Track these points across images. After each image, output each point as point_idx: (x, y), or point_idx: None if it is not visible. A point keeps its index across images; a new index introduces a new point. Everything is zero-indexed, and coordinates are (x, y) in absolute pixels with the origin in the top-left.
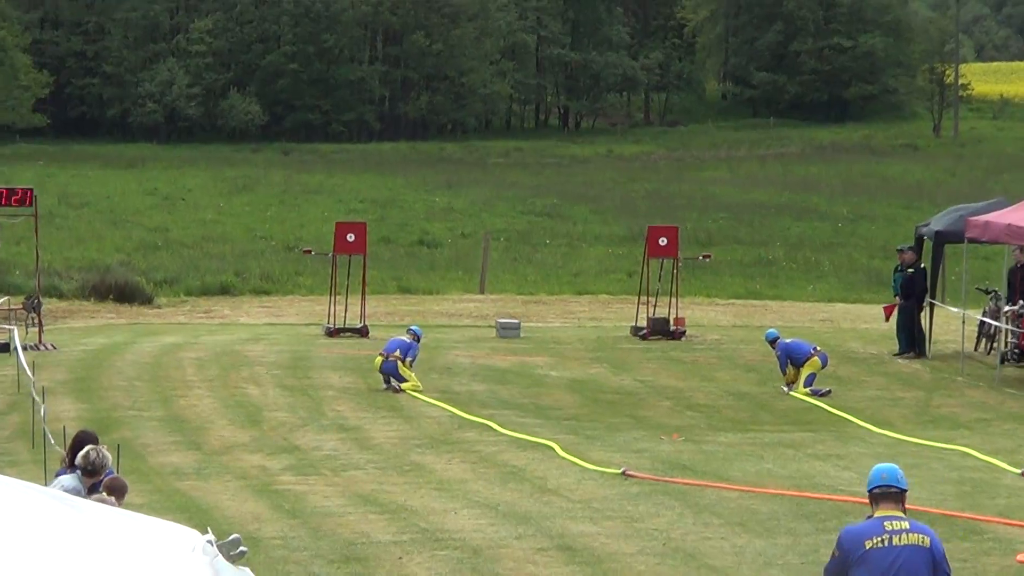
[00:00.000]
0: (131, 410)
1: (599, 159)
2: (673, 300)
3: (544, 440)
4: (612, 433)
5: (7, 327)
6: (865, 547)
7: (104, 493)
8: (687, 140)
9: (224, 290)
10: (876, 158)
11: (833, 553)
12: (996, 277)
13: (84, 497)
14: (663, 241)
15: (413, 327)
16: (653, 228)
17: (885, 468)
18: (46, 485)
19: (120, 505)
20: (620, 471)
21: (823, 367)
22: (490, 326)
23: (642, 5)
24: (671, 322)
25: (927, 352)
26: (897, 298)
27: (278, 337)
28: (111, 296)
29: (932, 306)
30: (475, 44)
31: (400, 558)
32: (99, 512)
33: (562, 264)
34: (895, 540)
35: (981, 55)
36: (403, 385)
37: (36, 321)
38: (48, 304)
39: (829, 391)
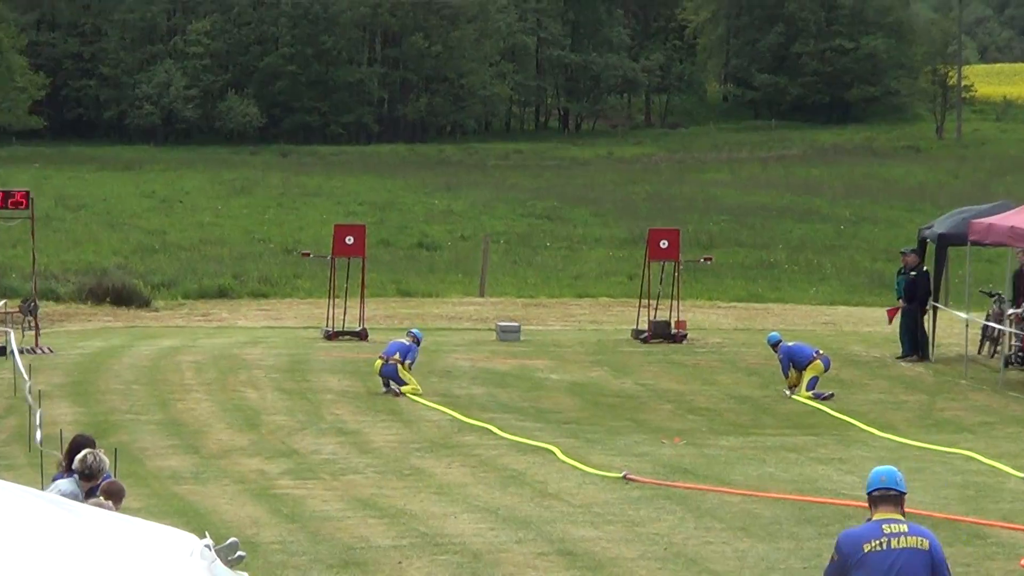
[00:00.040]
0: (128, 414)
1: (599, 161)
2: (674, 303)
3: (544, 444)
4: (613, 437)
5: (3, 330)
6: (863, 550)
7: (101, 497)
8: (688, 142)
9: (222, 293)
10: (878, 160)
11: (832, 557)
12: (999, 280)
13: (81, 501)
14: (664, 244)
15: (413, 330)
16: (654, 231)
17: (884, 471)
18: (43, 489)
19: (117, 509)
20: (621, 475)
21: (825, 370)
22: (490, 329)
23: (643, 6)
24: (672, 325)
25: (930, 355)
26: (900, 301)
27: (276, 340)
28: (108, 299)
29: (935, 309)
30: (474, 46)
31: (399, 563)
32: (96, 516)
33: (562, 267)
34: (893, 543)
35: (984, 56)
36: (403, 388)
37: (33, 324)
38: (45, 307)
39: (831, 394)
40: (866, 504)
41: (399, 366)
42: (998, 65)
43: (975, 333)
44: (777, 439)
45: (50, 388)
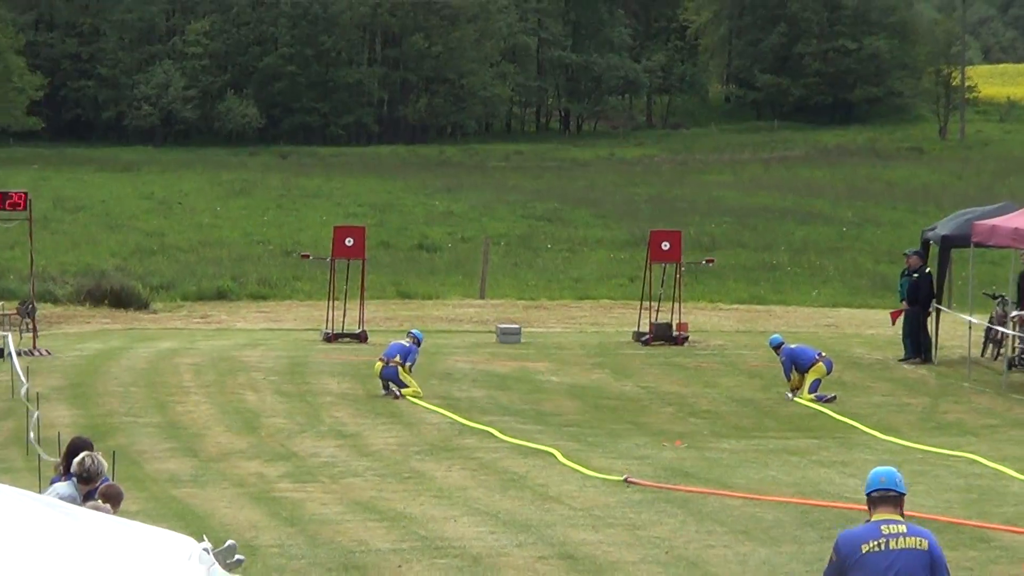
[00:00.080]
0: (127, 416)
1: (601, 162)
2: (676, 305)
3: (545, 447)
4: (614, 440)
5: (1, 333)
6: (861, 551)
7: (99, 500)
8: (690, 143)
9: (221, 295)
10: (881, 161)
11: (830, 557)
12: (1003, 282)
13: (79, 505)
14: (666, 245)
15: (414, 331)
16: (655, 232)
17: (883, 471)
18: (41, 492)
19: (116, 513)
20: (622, 478)
21: (828, 373)
22: (490, 331)
23: (644, 7)
24: (674, 327)
25: (933, 358)
26: (903, 303)
27: (276, 342)
28: (106, 301)
29: (938, 311)
30: (475, 46)
31: (399, 566)
32: (94, 520)
33: (563, 269)
34: (892, 544)
35: (988, 57)
36: (403, 391)
37: (30, 326)
38: (43, 309)
39: (834, 397)
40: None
41: (400, 368)
42: (1002, 65)
43: (978, 335)
44: (779, 442)
45: (48, 390)
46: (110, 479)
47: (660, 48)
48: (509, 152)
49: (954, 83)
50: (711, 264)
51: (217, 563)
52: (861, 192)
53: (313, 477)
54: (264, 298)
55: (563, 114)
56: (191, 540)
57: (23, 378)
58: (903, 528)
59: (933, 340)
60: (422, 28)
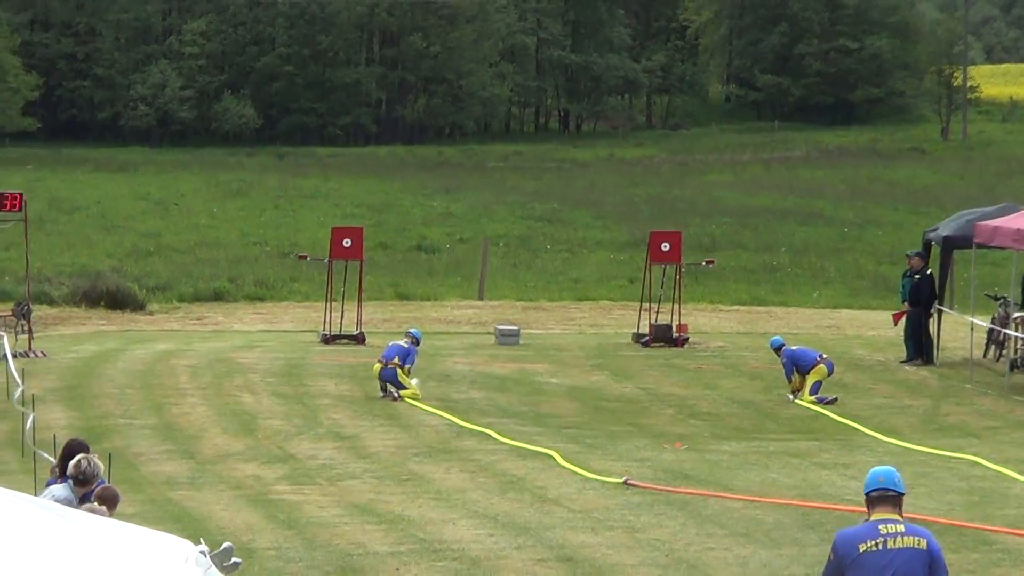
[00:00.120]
0: (123, 418)
1: (600, 163)
2: (676, 306)
3: (544, 449)
4: (613, 442)
5: None
6: (859, 550)
7: (96, 503)
8: (690, 144)
9: (218, 296)
10: (883, 162)
11: (829, 557)
12: (1005, 283)
13: (75, 507)
14: (665, 246)
15: (412, 330)
16: (655, 233)
17: (882, 471)
18: (36, 495)
19: (112, 515)
20: (622, 480)
21: (829, 375)
22: (489, 333)
23: (644, 6)
24: (674, 329)
25: (935, 359)
26: (905, 304)
27: (273, 344)
28: (102, 302)
29: (940, 312)
30: (473, 46)
31: (397, 569)
32: (91, 522)
33: (562, 270)
34: (890, 543)
35: (990, 57)
36: (402, 393)
37: (26, 328)
38: (38, 311)
39: (835, 399)
40: None
41: (399, 370)
42: (1004, 65)
43: (980, 337)
44: (780, 444)
45: (43, 392)
46: (106, 481)
47: (660, 48)
48: (508, 152)
49: (956, 83)
50: (711, 265)
51: (214, 566)
52: (862, 193)
53: (310, 479)
54: (261, 299)
55: (562, 114)
56: (188, 543)
57: (18, 380)
58: (901, 528)
59: (935, 341)
60: (420, 28)
